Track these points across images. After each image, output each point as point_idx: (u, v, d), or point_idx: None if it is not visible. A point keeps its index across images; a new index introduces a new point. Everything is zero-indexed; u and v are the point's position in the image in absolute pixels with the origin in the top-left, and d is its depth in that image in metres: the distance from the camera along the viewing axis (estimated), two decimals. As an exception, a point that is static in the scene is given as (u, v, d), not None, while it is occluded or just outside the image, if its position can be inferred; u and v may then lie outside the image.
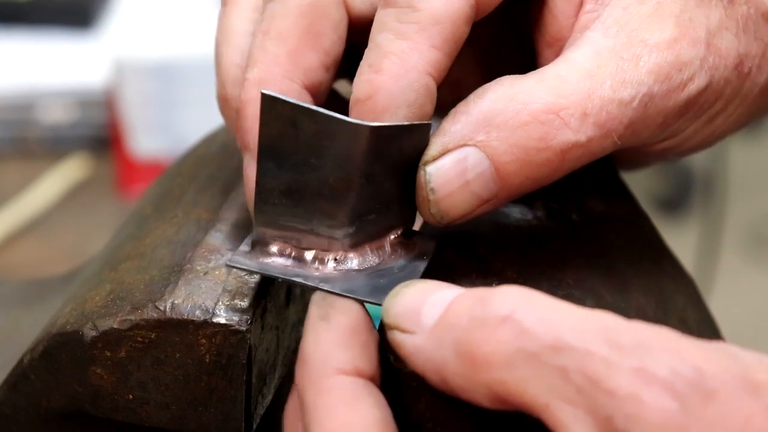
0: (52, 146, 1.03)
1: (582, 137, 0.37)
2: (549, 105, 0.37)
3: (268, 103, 0.36)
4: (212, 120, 0.51)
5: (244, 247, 0.39)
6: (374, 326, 0.37)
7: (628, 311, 0.40)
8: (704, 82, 0.39)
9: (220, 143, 0.48)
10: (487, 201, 0.38)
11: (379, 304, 0.36)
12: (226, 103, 0.42)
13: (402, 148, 0.38)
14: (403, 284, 0.36)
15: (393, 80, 0.37)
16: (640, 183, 2.01)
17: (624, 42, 0.39)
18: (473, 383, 0.33)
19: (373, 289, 0.38)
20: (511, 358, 0.32)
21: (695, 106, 0.39)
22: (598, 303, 0.39)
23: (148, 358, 0.39)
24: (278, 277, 0.39)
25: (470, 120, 0.37)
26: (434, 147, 0.38)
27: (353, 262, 0.39)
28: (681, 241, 0.88)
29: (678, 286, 0.44)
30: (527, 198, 0.42)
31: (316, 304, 0.37)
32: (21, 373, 0.40)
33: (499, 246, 0.40)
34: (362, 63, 0.38)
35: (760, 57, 0.41)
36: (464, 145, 0.37)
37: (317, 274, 0.39)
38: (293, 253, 0.39)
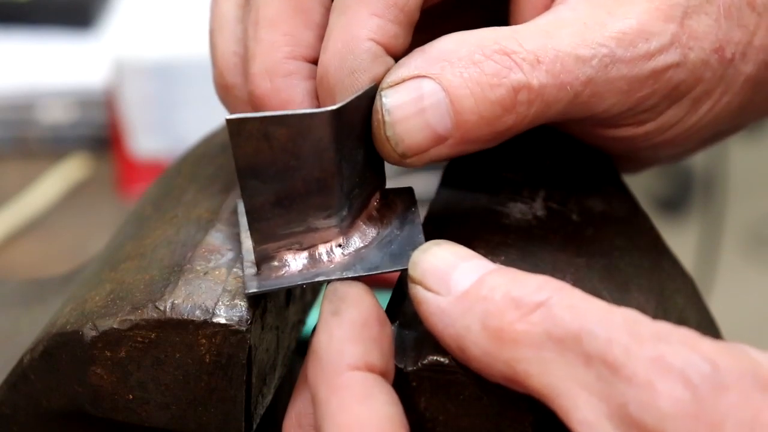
0: (52, 146, 1.02)
1: (534, 81, 0.38)
2: (502, 47, 0.38)
3: (236, 126, 0.37)
4: (212, 120, 0.51)
5: (251, 270, 0.39)
6: (387, 319, 0.37)
7: (628, 311, 0.40)
8: (675, 58, 0.39)
9: (220, 143, 0.48)
10: (443, 139, 0.38)
11: (405, 269, 0.37)
12: (227, 91, 0.43)
13: (364, 118, 0.38)
14: (433, 242, 0.37)
15: (336, 54, 0.39)
16: (640, 183, 2.01)
17: (589, 13, 0.39)
18: (493, 358, 0.34)
19: (391, 257, 0.39)
20: (538, 341, 0.33)
21: (667, 83, 0.40)
22: (598, 303, 0.39)
23: (148, 358, 0.39)
24: (302, 284, 0.39)
25: (425, 56, 0.38)
26: (390, 77, 0.38)
27: (356, 241, 0.39)
28: (681, 241, 0.88)
29: (678, 286, 0.44)
30: (527, 198, 0.42)
31: (328, 299, 0.37)
32: (21, 373, 0.40)
33: (499, 246, 0.40)
34: None
35: (744, 44, 0.41)
36: (419, 75, 0.38)
37: (332, 266, 0.39)
38: (299, 257, 0.39)
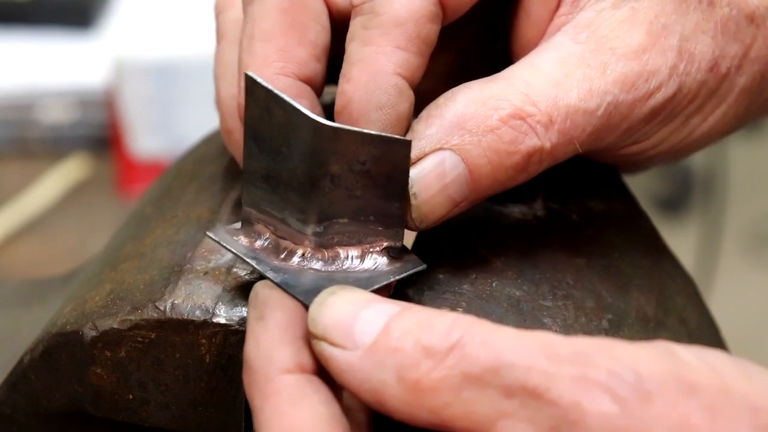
0: (52, 146, 1.03)
1: (546, 143, 0.38)
2: (517, 111, 0.38)
3: (249, 84, 0.37)
4: (212, 120, 0.51)
5: (236, 224, 0.39)
6: None
7: (628, 311, 0.40)
8: (672, 91, 0.39)
9: (221, 143, 0.48)
10: (458, 204, 0.38)
11: (306, 305, 0.36)
12: (229, 135, 0.42)
13: (377, 160, 0.37)
14: (327, 291, 0.35)
15: (362, 87, 0.38)
16: (640, 183, 2.01)
17: (592, 49, 0.39)
18: (415, 408, 0.33)
19: (314, 289, 0.37)
20: (457, 384, 0.32)
21: (661, 113, 0.40)
22: (598, 303, 0.39)
23: (148, 358, 0.39)
24: (237, 255, 0.38)
25: (444, 124, 0.38)
26: (412, 152, 0.38)
27: (318, 262, 0.39)
28: (681, 241, 0.88)
29: (678, 286, 0.44)
30: (527, 198, 0.42)
31: (252, 305, 0.37)
32: (21, 373, 0.40)
33: (499, 246, 0.40)
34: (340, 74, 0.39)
35: (740, 57, 0.41)
36: (440, 148, 0.38)
37: (276, 263, 0.38)
38: (270, 240, 0.39)
